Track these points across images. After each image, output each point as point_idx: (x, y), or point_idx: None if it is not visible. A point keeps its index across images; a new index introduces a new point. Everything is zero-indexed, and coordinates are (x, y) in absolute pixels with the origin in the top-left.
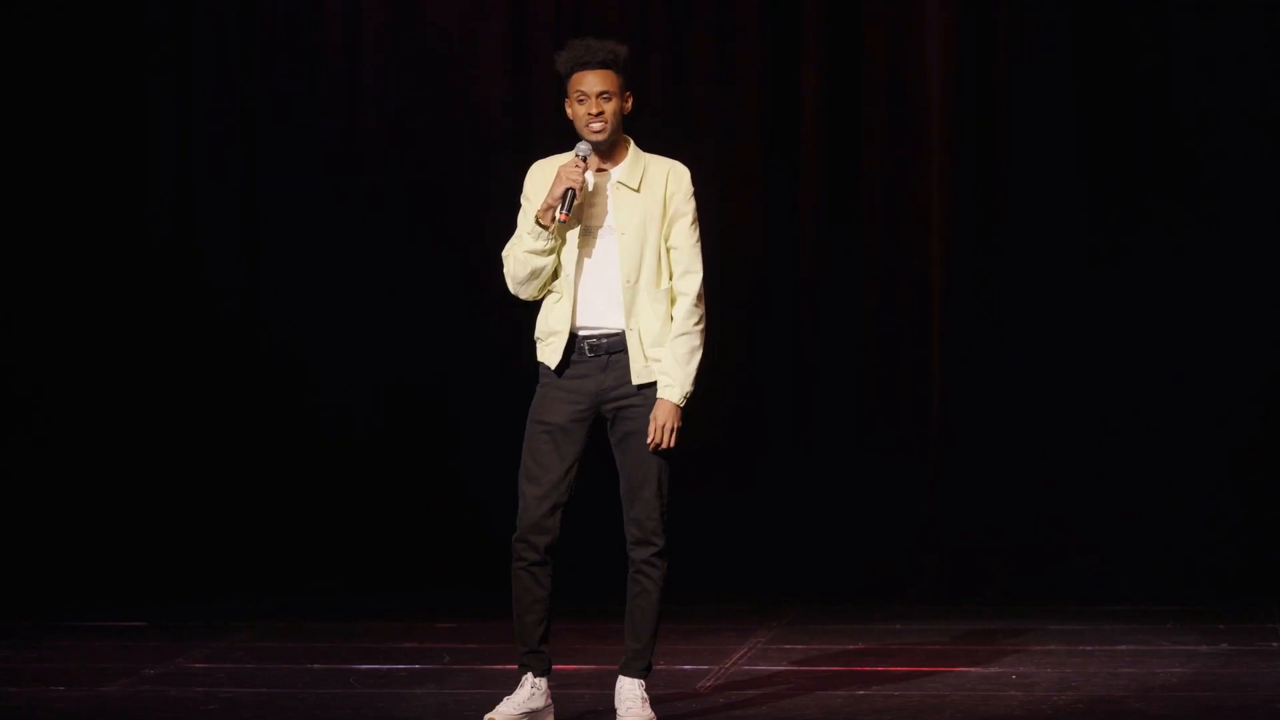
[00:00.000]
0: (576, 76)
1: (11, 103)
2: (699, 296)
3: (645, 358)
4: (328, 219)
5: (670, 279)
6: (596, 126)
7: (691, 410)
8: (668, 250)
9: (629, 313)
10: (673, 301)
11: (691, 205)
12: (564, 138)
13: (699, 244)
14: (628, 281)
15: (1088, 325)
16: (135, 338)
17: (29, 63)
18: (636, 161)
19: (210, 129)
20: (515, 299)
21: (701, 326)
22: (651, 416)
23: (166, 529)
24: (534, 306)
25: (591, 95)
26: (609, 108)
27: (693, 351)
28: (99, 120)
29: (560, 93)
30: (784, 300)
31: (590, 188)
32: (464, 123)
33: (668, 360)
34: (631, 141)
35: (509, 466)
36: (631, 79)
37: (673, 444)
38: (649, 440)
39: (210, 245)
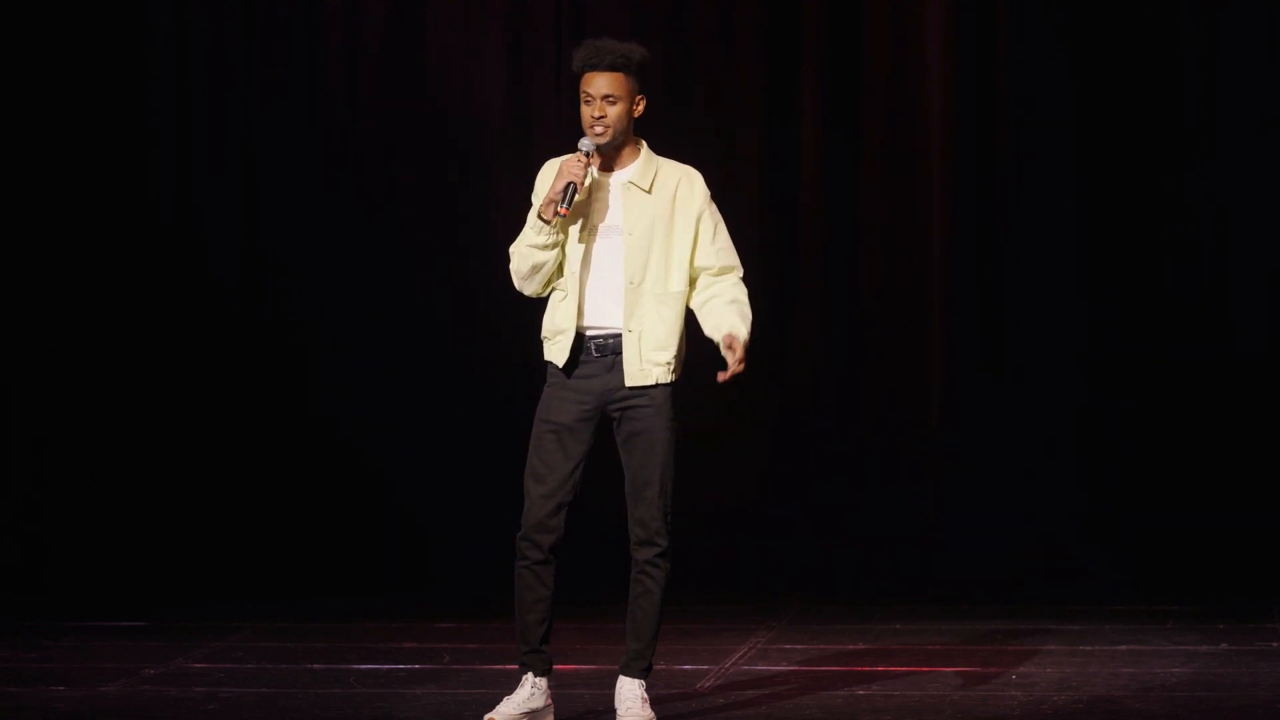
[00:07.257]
0: (585, 77)
1: (12, 102)
2: (741, 278)
3: (643, 360)
4: (327, 220)
5: (687, 284)
6: (598, 130)
7: (692, 408)
8: (694, 260)
9: (629, 314)
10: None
11: (713, 209)
12: (563, 137)
13: (731, 244)
14: (630, 283)
15: (1087, 325)
16: (135, 339)
17: (29, 61)
18: (649, 164)
19: (210, 129)
20: (519, 296)
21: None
22: (728, 350)
23: (167, 529)
24: (540, 306)
25: (596, 98)
26: (612, 111)
27: (747, 315)
28: (98, 120)
29: (576, 91)
30: (784, 300)
31: (589, 182)
32: (464, 123)
33: (733, 317)
34: (644, 144)
35: (513, 467)
36: (646, 82)
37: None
38: (728, 373)
39: (211, 247)
